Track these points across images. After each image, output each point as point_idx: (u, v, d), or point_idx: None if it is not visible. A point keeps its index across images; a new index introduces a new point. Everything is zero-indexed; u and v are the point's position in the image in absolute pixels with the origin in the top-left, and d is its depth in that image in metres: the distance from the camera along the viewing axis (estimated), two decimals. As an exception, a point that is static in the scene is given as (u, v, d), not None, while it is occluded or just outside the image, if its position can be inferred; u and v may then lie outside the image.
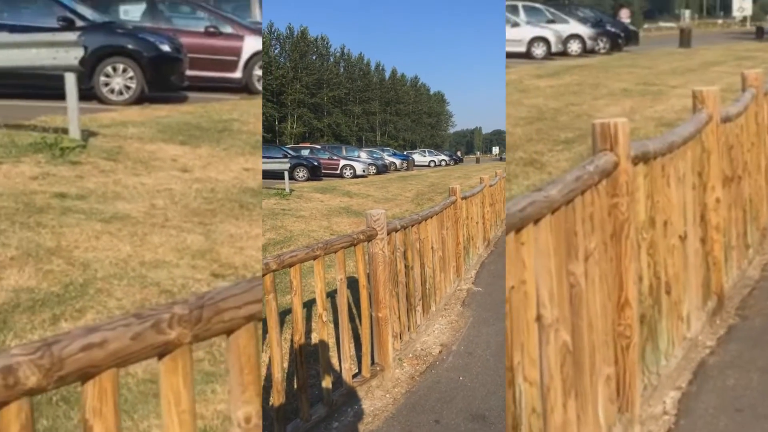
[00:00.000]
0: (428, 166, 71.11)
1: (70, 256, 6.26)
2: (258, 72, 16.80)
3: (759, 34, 48.31)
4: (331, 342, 6.70)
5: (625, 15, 45.08)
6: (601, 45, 34.03)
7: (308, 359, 5.66)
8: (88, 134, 10.25)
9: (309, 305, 7.54)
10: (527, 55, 32.23)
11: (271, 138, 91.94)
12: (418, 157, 74.02)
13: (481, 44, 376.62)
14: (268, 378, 5.68)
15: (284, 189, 22.44)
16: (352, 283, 7.47)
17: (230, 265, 6.43)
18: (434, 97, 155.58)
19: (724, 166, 5.53)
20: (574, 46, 33.22)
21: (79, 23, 14.40)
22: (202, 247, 6.75)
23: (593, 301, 3.39)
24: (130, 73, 14.36)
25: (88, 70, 13.74)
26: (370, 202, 23.08)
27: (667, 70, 25.08)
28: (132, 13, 17.74)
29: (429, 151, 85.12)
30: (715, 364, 4.76)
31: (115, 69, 14.34)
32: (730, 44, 40.40)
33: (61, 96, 10.04)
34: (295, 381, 5.18)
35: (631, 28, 39.32)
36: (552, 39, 32.82)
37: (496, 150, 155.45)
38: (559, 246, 3.11)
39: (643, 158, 3.95)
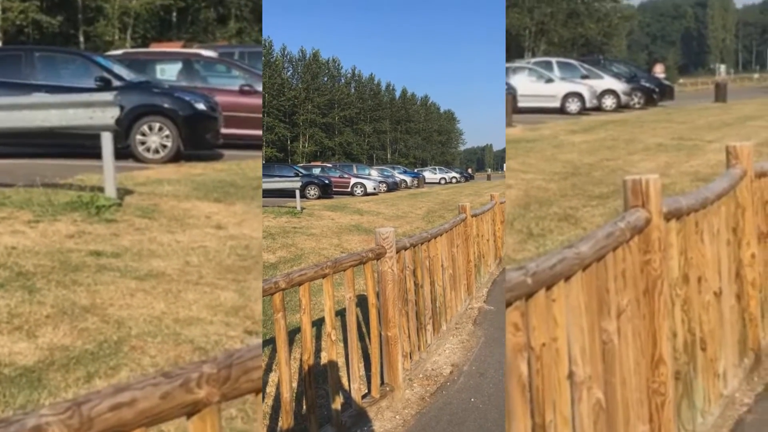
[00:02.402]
0: (439, 183, 71.71)
1: (104, 313, 6.29)
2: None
3: (795, 88, 48.13)
4: (341, 361, 6.66)
5: (659, 70, 45.11)
6: (636, 100, 34.00)
7: (317, 379, 5.63)
8: (123, 192, 10.36)
9: (318, 324, 7.52)
10: (561, 111, 32.26)
11: (283, 157, 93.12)
12: (428, 175, 74.63)
13: (491, 61, 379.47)
14: (277, 398, 5.66)
15: (295, 207, 22.50)
16: (362, 302, 7.45)
17: (264, 323, 6.43)
18: (444, 115, 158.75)
19: (759, 222, 5.49)
20: (609, 102, 33.21)
21: (116, 83, 14.61)
22: (235, 304, 6.76)
23: (627, 358, 3.37)
24: (166, 132, 14.52)
25: (124, 128, 13.93)
26: (380, 219, 23.06)
27: (703, 125, 25.00)
28: (168, 73, 17.99)
29: (440, 169, 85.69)
30: (752, 422, 4.68)
31: (151, 128, 14.52)
32: (766, 98, 40.24)
33: (97, 155, 10.17)
34: (304, 402, 5.15)
35: (666, 83, 39.29)
36: (586, 94, 32.84)
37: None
38: (591, 302, 3.09)
39: (675, 214, 3.93)
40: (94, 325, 6.05)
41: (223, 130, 15.93)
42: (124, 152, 14.00)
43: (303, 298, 5.07)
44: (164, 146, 14.57)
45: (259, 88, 17.24)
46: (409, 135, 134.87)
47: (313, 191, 36.29)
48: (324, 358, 6.85)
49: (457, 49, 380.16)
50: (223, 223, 9.46)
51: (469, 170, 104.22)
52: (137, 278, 7.20)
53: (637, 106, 33.75)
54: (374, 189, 43.26)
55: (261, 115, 16.98)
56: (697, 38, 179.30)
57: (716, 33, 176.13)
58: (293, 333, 7.14)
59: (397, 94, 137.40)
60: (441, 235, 8.55)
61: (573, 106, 32.72)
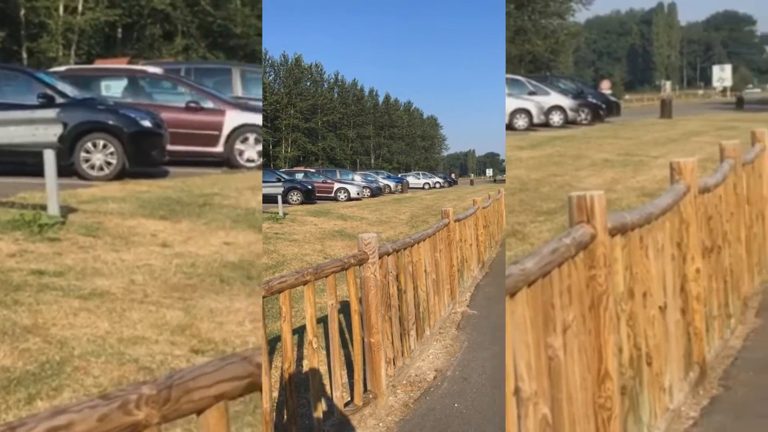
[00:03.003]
0: (423, 188, 72.20)
1: (47, 333, 6.19)
2: (240, 146, 16.84)
3: (739, 104, 48.99)
4: (323, 369, 6.59)
5: (606, 86, 45.74)
6: (583, 116, 34.36)
7: (299, 388, 5.56)
8: (67, 210, 10.21)
9: (300, 331, 7.45)
10: (509, 127, 32.52)
11: (266, 162, 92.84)
12: (412, 180, 75.02)
13: (474, 68, 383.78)
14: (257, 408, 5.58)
15: (277, 213, 22.39)
16: (344, 308, 7.41)
17: (210, 341, 6.36)
18: (427, 121, 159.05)
19: (703, 237, 5.53)
20: (556, 118, 33.53)
21: (60, 100, 14.44)
22: (181, 323, 6.69)
23: (573, 374, 3.36)
24: (111, 149, 14.37)
25: (68, 146, 13.77)
26: (364, 225, 23.06)
27: (649, 141, 25.29)
28: (113, 89, 17.81)
29: (423, 174, 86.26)
30: (698, 436, 4.71)
31: (95, 145, 14.36)
32: (711, 114, 40.90)
33: (40, 172, 10.03)
34: (285, 412, 5.06)
35: (612, 99, 39.80)
36: (534, 110, 33.15)
37: (489, 172, 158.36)
38: (537, 318, 3.08)
39: (620, 230, 3.94)
40: (36, 346, 5.95)
41: (169, 147, 15.79)
42: (68, 170, 13.83)
43: (283, 306, 4.97)
44: (109, 163, 14.41)
45: (206, 104, 17.12)
46: (393, 140, 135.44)
47: (295, 196, 36.16)
48: (306, 366, 6.78)
49: (442, 55, 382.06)
50: (168, 240, 9.36)
51: (453, 175, 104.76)
52: (81, 297, 7.09)
53: (584, 122, 34.10)
54: (358, 194, 43.21)
55: (209, 131, 16.88)
56: (642, 55, 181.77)
57: (661, 50, 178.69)
58: (274, 341, 7.08)
59: (380, 99, 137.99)
60: (424, 240, 8.54)
61: (520, 122, 32.99)
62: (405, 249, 7.64)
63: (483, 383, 6.97)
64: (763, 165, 8.17)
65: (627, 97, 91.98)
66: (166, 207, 11.21)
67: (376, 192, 48.43)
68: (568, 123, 33.52)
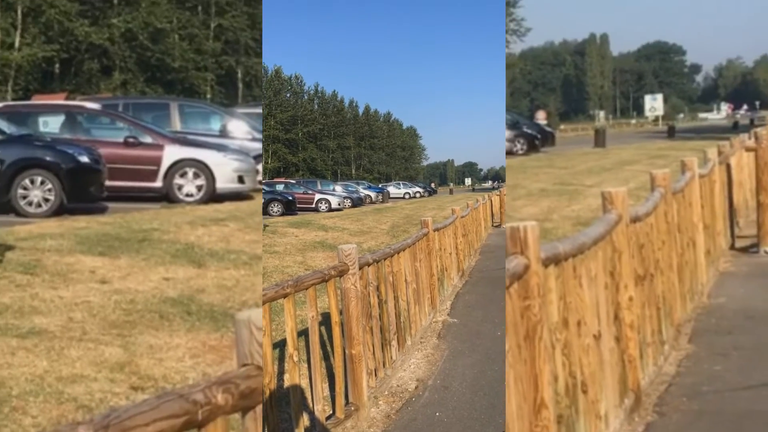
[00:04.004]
0: (403, 198, 72.73)
1: (-16, 373, 6.13)
2: (179, 181, 16.78)
3: (671, 132, 50.00)
4: (304, 382, 6.57)
5: (541, 117, 46.38)
6: (519, 146, 34.78)
7: (279, 402, 5.54)
8: (4, 248, 10.10)
9: (281, 345, 7.41)
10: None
11: None
12: (393, 190, 75.57)
13: (452, 80, 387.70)
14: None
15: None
16: (325, 319, 7.40)
17: (150, 377, 6.34)
18: (407, 131, 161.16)
19: (635, 265, 5.66)
20: (492, 148, 33.88)
21: (-4, 136, 14.31)
22: (120, 360, 6.66)
23: (509, 404, 3.43)
24: (49, 185, 14.24)
25: (5, 182, 13.64)
26: (345, 235, 23.03)
27: (583, 170, 25.69)
28: (51, 125, 17.65)
29: (404, 184, 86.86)
30: (634, 461, 4.80)
31: (33, 181, 14.22)
32: (644, 143, 41.66)
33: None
34: (266, 427, 5.03)
35: (548, 129, 40.35)
36: (471, 142, 33.45)
37: (468, 181, 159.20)
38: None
39: (554, 260, 4.03)
40: (-27, 386, 5.89)
41: (108, 183, 15.69)
42: (5, 206, 13.69)
43: (263, 320, 4.93)
44: (47, 200, 14.28)
45: (145, 139, 17.03)
46: (373, 151, 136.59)
47: (276, 208, 36.03)
48: (287, 380, 6.73)
49: (422, 67, 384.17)
50: (107, 277, 9.30)
51: (432, 185, 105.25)
52: (18, 336, 7.03)
53: (520, 152, 34.51)
54: (339, 205, 43.36)
55: (148, 166, 16.80)
56: (576, 85, 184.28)
57: (594, 80, 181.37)
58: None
59: (360, 110, 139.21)
60: (404, 250, 8.56)
61: (505, 127, 33.33)
62: (385, 259, 7.66)
63: (463, 391, 7.04)
64: (693, 193, 8.37)
65: (562, 127, 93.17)
66: (105, 243, 11.13)
67: (357, 202, 48.69)
68: (505, 153, 33.91)
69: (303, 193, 43.20)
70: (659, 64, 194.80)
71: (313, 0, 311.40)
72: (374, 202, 56.40)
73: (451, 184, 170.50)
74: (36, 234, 11.66)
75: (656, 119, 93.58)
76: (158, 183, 16.78)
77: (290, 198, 38.04)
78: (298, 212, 37.16)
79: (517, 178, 23.02)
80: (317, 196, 43.76)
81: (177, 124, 19.50)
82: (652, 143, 41.47)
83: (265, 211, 25.23)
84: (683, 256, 7.63)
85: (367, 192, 59.02)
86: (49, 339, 7.03)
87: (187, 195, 16.75)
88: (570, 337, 4.26)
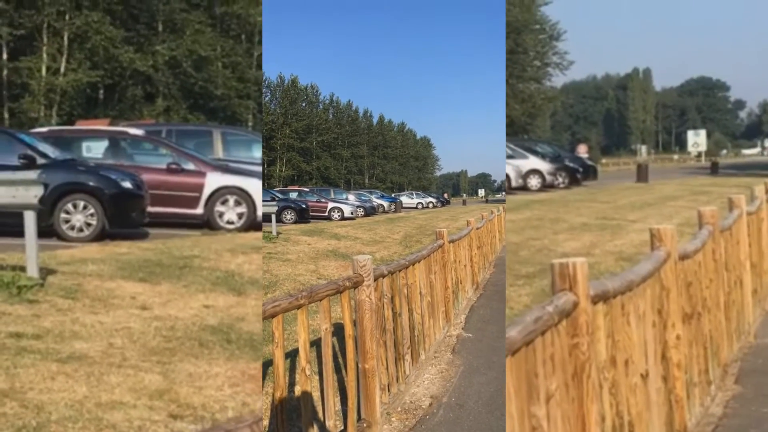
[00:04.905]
0: (416, 208, 72.77)
1: (23, 398, 6.12)
2: (220, 208, 16.83)
3: (714, 169, 49.57)
4: (315, 395, 6.49)
5: (582, 150, 46.13)
6: (560, 180, 34.61)
7: (290, 416, 5.45)
8: (46, 272, 10.15)
9: (292, 355, 7.33)
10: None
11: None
12: (405, 199, 75.63)
13: (467, 91, 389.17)
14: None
15: (271, 232, 22.27)
16: (337, 330, 7.33)
17: (189, 406, 6.30)
18: (420, 141, 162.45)
19: (683, 303, 5.56)
20: (534, 181, 33.79)
21: (41, 161, 14.43)
22: (160, 387, 6.63)
23: (556, 443, 3.35)
24: (91, 210, 14.34)
25: (48, 206, 13.73)
26: (357, 244, 22.98)
27: (626, 205, 25.48)
28: (94, 150, 17.82)
29: (417, 194, 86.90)
30: (681, 505, 4.69)
31: (75, 206, 14.33)
32: (686, 179, 41.35)
33: (19, 233, 9.99)
34: None
35: (589, 163, 40.13)
36: (512, 174, 33.39)
37: (482, 192, 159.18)
38: (521, 388, 3.08)
39: (602, 297, 3.96)
40: (13, 410, 5.87)
41: (150, 209, 15.78)
42: (47, 230, 13.79)
43: (276, 331, 4.83)
44: (89, 224, 14.38)
45: (187, 166, 17.12)
46: (386, 160, 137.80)
47: (289, 215, 36.06)
48: (298, 393, 6.66)
49: (437, 78, 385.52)
50: (148, 303, 9.31)
51: (445, 195, 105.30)
52: (58, 361, 7.03)
53: (561, 185, 34.34)
54: (352, 213, 43.40)
55: (190, 193, 16.89)
56: (618, 119, 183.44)
57: (637, 114, 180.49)
58: (264, 366, 6.99)
59: (375, 120, 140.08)
60: (419, 261, 8.47)
61: (505, 139, 33.25)
62: (400, 271, 7.57)
63: (479, 410, 6.92)
64: (741, 231, 8.25)
65: (603, 160, 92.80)
66: (146, 269, 11.16)
67: (370, 211, 48.71)
68: (545, 187, 33.76)
69: (316, 201, 43.27)
70: (702, 100, 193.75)
71: (330, 11, 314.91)
72: (387, 212, 56.51)
73: (464, 194, 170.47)
74: (78, 258, 11.73)
75: (699, 155, 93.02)
76: (199, 210, 16.85)
77: (303, 206, 38.05)
78: (311, 220, 37.19)
79: (558, 212, 22.87)
80: (330, 205, 43.81)
81: (219, 152, 19.60)
82: (694, 179, 41.18)
83: (279, 219, 25.24)
84: (730, 295, 7.51)
85: (379, 201, 59.09)
86: (89, 364, 7.02)
87: (228, 222, 16.79)
88: (618, 376, 4.18)
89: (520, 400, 3.07)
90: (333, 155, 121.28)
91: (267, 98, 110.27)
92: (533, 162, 34.39)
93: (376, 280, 6.55)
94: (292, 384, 7.20)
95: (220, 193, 16.88)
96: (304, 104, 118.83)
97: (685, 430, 5.37)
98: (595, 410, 3.66)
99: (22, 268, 9.93)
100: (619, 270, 12.26)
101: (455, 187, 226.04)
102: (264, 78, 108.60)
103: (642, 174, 38.81)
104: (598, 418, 3.72)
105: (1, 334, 7.60)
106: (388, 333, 6.93)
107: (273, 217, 23.94)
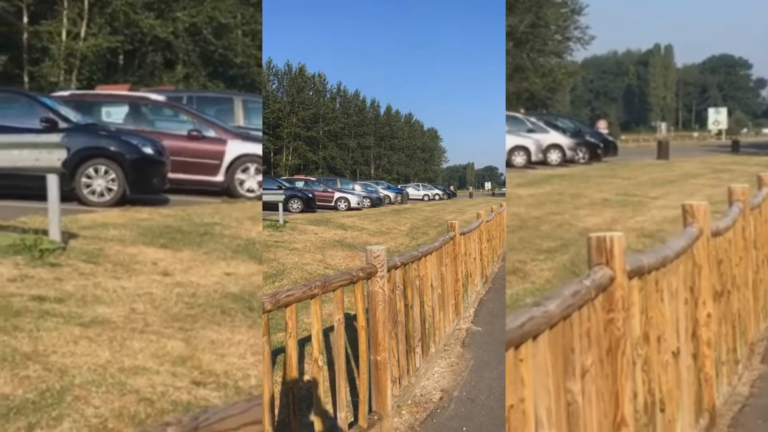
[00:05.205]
0: (422, 199, 72.60)
1: (47, 361, 6.11)
2: (241, 176, 16.79)
3: (735, 147, 49.21)
4: (326, 386, 6.45)
5: (602, 126, 45.81)
6: (581, 155, 34.42)
7: (300, 405, 5.42)
8: (68, 236, 10.14)
9: (301, 343, 7.29)
10: (507, 164, 32.59)
11: (266, 170, 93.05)
12: (412, 191, 75.61)
13: (475, 83, 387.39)
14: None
15: (278, 220, 22.27)
16: (347, 321, 7.28)
17: (211, 373, 6.28)
18: (428, 133, 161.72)
19: (714, 281, 5.49)
20: (554, 156, 33.61)
21: (62, 125, 14.40)
22: (182, 354, 6.61)
23: (590, 420, 3.30)
24: (112, 175, 14.32)
25: (69, 171, 13.70)
26: (364, 235, 22.97)
27: (647, 181, 25.32)
28: (114, 115, 17.76)
29: (423, 185, 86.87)
30: (710, 484, 4.64)
31: (96, 170, 14.31)
32: (707, 157, 41.07)
33: (40, 196, 9.98)
34: None
35: (610, 138, 39.87)
36: (532, 148, 33.22)
37: (488, 185, 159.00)
38: (557, 362, 3.03)
39: (637, 272, 3.89)
40: (36, 373, 5.87)
41: (170, 175, 15.74)
42: (68, 195, 13.78)
43: (289, 321, 4.78)
44: (110, 190, 14.36)
45: (208, 133, 17.07)
46: (393, 151, 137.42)
47: (296, 204, 36.04)
48: (309, 383, 6.60)
49: (444, 69, 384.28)
50: (169, 269, 9.29)
51: (452, 187, 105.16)
52: (81, 325, 7.02)
53: (581, 161, 34.15)
54: (358, 204, 43.40)
55: (210, 160, 16.84)
56: (638, 95, 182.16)
57: (657, 91, 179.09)
58: (275, 353, 6.95)
59: (382, 110, 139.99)
60: (431, 253, 8.39)
61: (519, 159, 33.04)
62: (413, 262, 7.51)
63: (491, 405, 6.86)
64: (770, 210, 8.14)
65: (623, 137, 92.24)
66: (167, 235, 11.15)
67: (376, 202, 48.60)
68: (565, 161, 33.59)
69: (323, 191, 43.20)
70: (724, 78, 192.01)
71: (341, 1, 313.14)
72: (393, 203, 56.33)
73: (471, 187, 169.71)
74: (99, 223, 11.72)
75: (719, 133, 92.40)
76: (220, 177, 16.82)
77: (310, 195, 37.97)
78: (317, 210, 37.12)
79: (579, 188, 22.75)
80: (337, 195, 43.73)
81: (240, 119, 19.53)
82: (715, 157, 40.88)
83: (285, 208, 25.17)
84: (758, 274, 7.42)
85: (386, 192, 58.88)
86: (111, 329, 7.01)
87: (248, 190, 16.75)
88: (650, 353, 4.12)
89: (557, 376, 3.02)
90: (339, 145, 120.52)
91: (274, 86, 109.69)
92: (554, 136, 34.19)
93: (389, 271, 6.48)
94: (300, 373, 7.13)
95: (240, 161, 16.83)
96: (311, 93, 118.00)
97: (713, 409, 5.31)
98: (629, 387, 3.61)
99: (44, 232, 9.92)
100: (641, 247, 12.19)
101: (461, 180, 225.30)
102: (271, 65, 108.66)
103: (663, 151, 38.51)
104: (632, 394, 3.67)
105: (24, 297, 7.59)
106: (399, 325, 6.85)
107: (280, 205, 23.83)
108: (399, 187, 77.41)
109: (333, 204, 42.36)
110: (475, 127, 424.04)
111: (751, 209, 7.16)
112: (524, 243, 13.68)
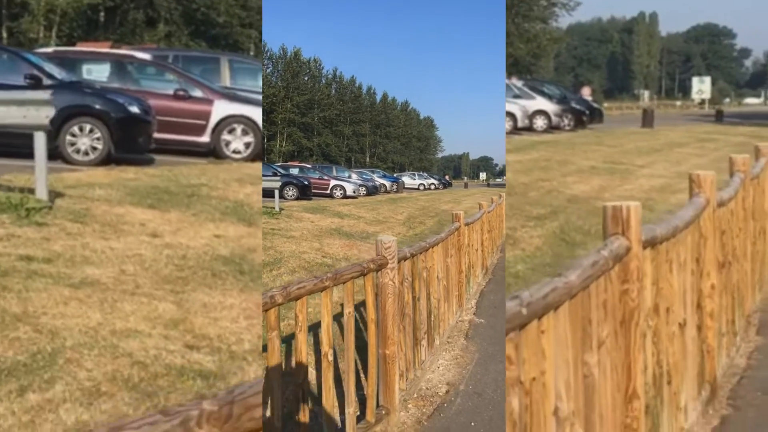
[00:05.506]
0: (418, 189, 72.34)
1: (37, 322, 6.00)
2: (227, 137, 16.62)
3: (718, 117, 49.35)
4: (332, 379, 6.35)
5: (586, 93, 45.77)
6: (566, 122, 34.36)
7: (305, 399, 5.33)
8: (54, 195, 9.99)
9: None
10: (492, 129, 32.52)
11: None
12: (407, 180, 75.41)
13: (472, 72, 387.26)
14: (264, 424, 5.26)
15: (273, 207, 22.16)
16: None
17: (204, 336, 6.19)
18: (424, 121, 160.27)
19: (717, 252, 5.42)
20: (540, 122, 33.55)
21: (47, 81, 14.18)
22: (174, 317, 6.51)
23: (605, 393, 3.23)
24: (97, 134, 14.13)
25: (54, 128, 13.52)
26: (361, 224, 22.89)
27: (632, 150, 25.33)
28: (96, 73, 17.49)
29: (419, 174, 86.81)
30: (712, 456, 4.60)
31: (81, 129, 14.12)
32: (691, 126, 41.21)
33: (24, 154, 9.82)
34: (298, 429, 4.76)
35: (595, 106, 39.85)
36: (518, 114, 33.14)
37: (483, 175, 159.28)
38: (576, 334, 2.95)
39: (650, 243, 3.81)
40: (27, 335, 5.76)
41: (155, 135, 15.55)
42: (52, 153, 13.58)
43: (300, 314, 4.64)
44: (95, 148, 14.18)
45: (194, 93, 16.88)
46: (389, 139, 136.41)
47: (291, 192, 35.78)
48: (314, 376, 6.49)
49: (441, 58, 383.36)
50: (158, 231, 9.17)
51: (447, 177, 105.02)
52: (71, 286, 6.91)
53: (567, 127, 34.10)
54: (354, 192, 43.23)
55: (196, 120, 16.66)
56: (622, 63, 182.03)
57: (641, 59, 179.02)
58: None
59: (378, 98, 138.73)
60: (437, 244, 8.29)
61: (505, 125, 32.97)
62: (420, 253, 7.40)
63: (498, 399, 6.76)
64: (767, 179, 8.08)
65: (606, 104, 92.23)
66: (154, 196, 11.01)
67: (372, 191, 48.33)
68: (551, 128, 33.53)
69: (318, 179, 42.97)
70: (708, 47, 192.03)
71: None
72: (389, 192, 56.07)
73: (466, 177, 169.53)
74: (84, 182, 11.57)
75: (702, 102, 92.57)
76: (206, 138, 16.64)
77: (306, 182, 37.73)
78: (313, 197, 36.93)
79: (565, 154, 22.71)
80: (332, 182, 43.50)
81: (227, 80, 19.31)
82: (699, 126, 41.01)
83: (280, 195, 25.07)
84: (755, 245, 7.37)
85: (382, 181, 58.63)
86: (101, 291, 6.90)
87: (235, 152, 16.59)
88: (660, 325, 4.05)
89: (575, 348, 2.95)
90: (334, 132, 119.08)
91: (269, 70, 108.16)
92: (540, 102, 34.11)
93: (398, 262, 6.35)
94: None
95: (227, 122, 16.64)
96: (306, 78, 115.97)
97: (714, 381, 5.26)
98: (641, 359, 3.54)
99: (30, 190, 9.77)
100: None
101: (456, 170, 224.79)
102: (266, 49, 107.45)
103: (647, 119, 38.55)
104: (642, 367, 3.60)
105: (12, 257, 7.47)
106: (407, 318, 6.72)
107: (276, 192, 23.64)
108: (395, 175, 77.17)
109: (328, 192, 42.13)
110: (470, 116, 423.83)
111: (750, 180, 7.09)
112: (513, 210, 13.63)
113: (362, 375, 6.46)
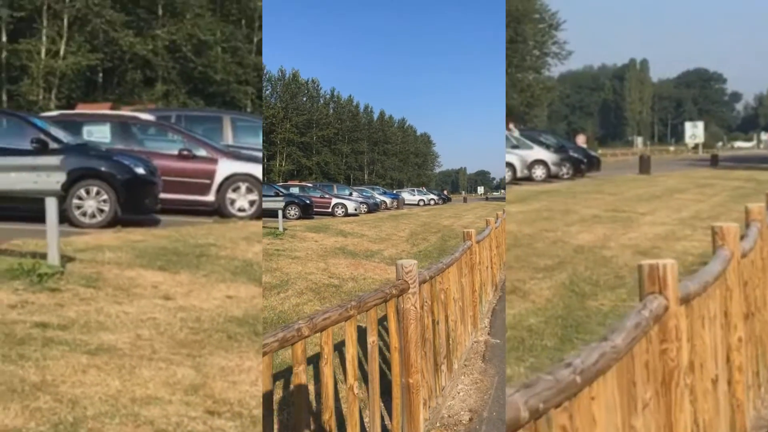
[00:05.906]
0: (418, 204, 72.51)
1: (57, 391, 5.95)
2: (232, 195, 16.65)
3: (714, 161, 49.51)
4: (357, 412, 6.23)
5: (581, 140, 46.06)
6: (565, 170, 34.47)
7: None
8: (66, 259, 9.96)
9: (314, 361, 7.01)
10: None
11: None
12: (407, 196, 75.97)
13: (470, 88, 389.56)
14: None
15: (277, 228, 22.07)
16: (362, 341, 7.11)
17: (225, 402, 6.13)
18: (421, 138, 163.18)
19: (742, 304, 5.40)
20: (539, 171, 33.65)
21: (53, 145, 14.22)
22: (194, 382, 6.46)
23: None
24: (104, 196, 14.14)
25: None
26: (365, 242, 22.79)
27: (633, 197, 25.35)
28: (96, 134, 17.52)
29: (418, 190, 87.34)
30: None
31: (88, 191, 14.13)
32: (687, 171, 41.39)
33: (33, 218, 9.80)
34: None
35: (593, 153, 40.03)
36: (517, 164, 33.25)
37: (481, 190, 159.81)
38: (623, 398, 2.93)
39: (685, 300, 3.80)
40: (47, 405, 5.71)
41: (161, 195, 15.58)
42: (60, 216, 13.58)
43: (325, 346, 4.53)
44: (101, 210, 14.18)
45: (199, 152, 16.93)
46: (387, 156, 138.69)
47: (293, 211, 35.80)
48: (344, 413, 6.37)
49: (436, 74, 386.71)
50: (170, 293, 9.13)
51: (445, 192, 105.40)
52: (88, 353, 6.86)
53: (566, 176, 34.19)
54: (355, 210, 43.39)
55: (201, 180, 16.70)
56: (614, 110, 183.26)
57: (633, 105, 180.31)
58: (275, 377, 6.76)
59: (375, 116, 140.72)
60: (452, 264, 8.15)
61: (504, 141, 33.18)
62: (438, 275, 7.26)
63: None
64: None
65: (600, 151, 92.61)
66: (163, 257, 10.99)
67: (373, 208, 48.50)
68: (550, 177, 33.62)
69: (320, 197, 43.20)
70: (699, 92, 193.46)
71: (333, 7, 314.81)
72: (389, 208, 56.27)
73: (464, 192, 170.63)
74: (93, 245, 11.54)
75: (696, 147, 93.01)
76: (211, 197, 16.67)
77: (307, 201, 37.84)
78: (315, 216, 37.01)
79: (567, 204, 22.72)
80: (334, 201, 43.80)
81: (229, 138, 19.38)
82: (696, 171, 41.18)
83: (283, 214, 25.04)
84: (773, 294, 7.34)
85: (382, 198, 58.84)
86: (119, 357, 6.85)
87: (239, 210, 16.61)
88: (695, 382, 4.02)
89: (623, 412, 2.92)
90: (333, 150, 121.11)
91: (267, 92, 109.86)
92: (538, 152, 34.25)
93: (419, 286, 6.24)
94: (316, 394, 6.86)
95: (231, 180, 16.68)
96: (304, 99, 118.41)
97: (745, 435, 5.22)
98: (682, 420, 3.51)
99: (41, 255, 9.75)
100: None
101: (454, 184, 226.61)
102: (264, 71, 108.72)
103: (644, 165, 38.71)
104: (683, 426, 3.57)
105: (27, 324, 7.43)
106: (427, 343, 6.57)
107: (279, 212, 23.63)
108: (394, 192, 77.65)
109: (330, 210, 42.29)
110: (466, 131, 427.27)
111: (766, 228, 7.09)
112: (520, 261, 13.60)
113: (381, 403, 6.35)
